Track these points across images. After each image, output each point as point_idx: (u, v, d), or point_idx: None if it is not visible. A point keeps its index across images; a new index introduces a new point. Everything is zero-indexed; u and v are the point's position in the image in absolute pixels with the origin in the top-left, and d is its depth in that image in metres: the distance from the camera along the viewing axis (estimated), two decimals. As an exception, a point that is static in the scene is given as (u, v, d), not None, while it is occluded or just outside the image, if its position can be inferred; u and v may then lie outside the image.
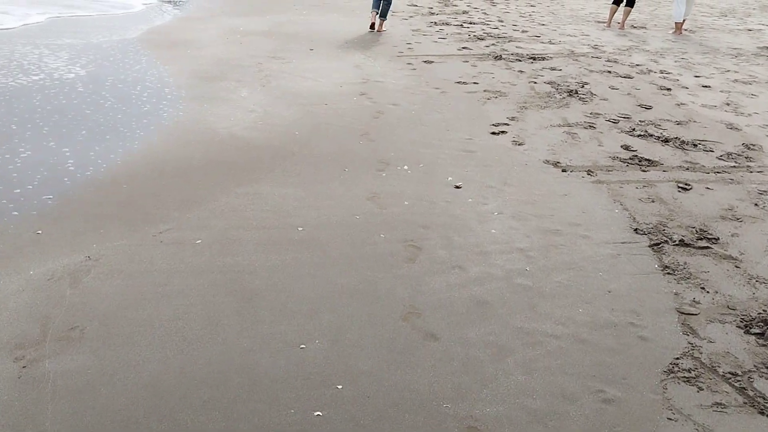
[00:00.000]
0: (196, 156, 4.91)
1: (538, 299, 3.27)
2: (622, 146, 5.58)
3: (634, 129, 6.04)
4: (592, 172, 4.99)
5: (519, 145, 5.53)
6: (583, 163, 5.17)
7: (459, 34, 10.69)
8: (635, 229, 4.06)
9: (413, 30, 10.87)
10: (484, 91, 7.18)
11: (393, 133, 5.68)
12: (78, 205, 4.06)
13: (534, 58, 8.86)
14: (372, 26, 10.56)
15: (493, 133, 5.80)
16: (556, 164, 5.11)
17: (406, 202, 4.30)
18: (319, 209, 4.15)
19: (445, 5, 14.44)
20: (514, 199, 4.43)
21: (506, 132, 5.84)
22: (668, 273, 3.57)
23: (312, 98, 6.59)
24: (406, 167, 4.92)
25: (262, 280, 3.32)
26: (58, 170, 4.52)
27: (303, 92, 6.78)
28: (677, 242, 3.90)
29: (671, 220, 4.21)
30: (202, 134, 5.39)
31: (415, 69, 8.06)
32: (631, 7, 12.00)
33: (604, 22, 12.75)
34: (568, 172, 4.97)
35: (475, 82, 7.52)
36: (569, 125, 6.10)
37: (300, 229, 3.88)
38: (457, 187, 4.59)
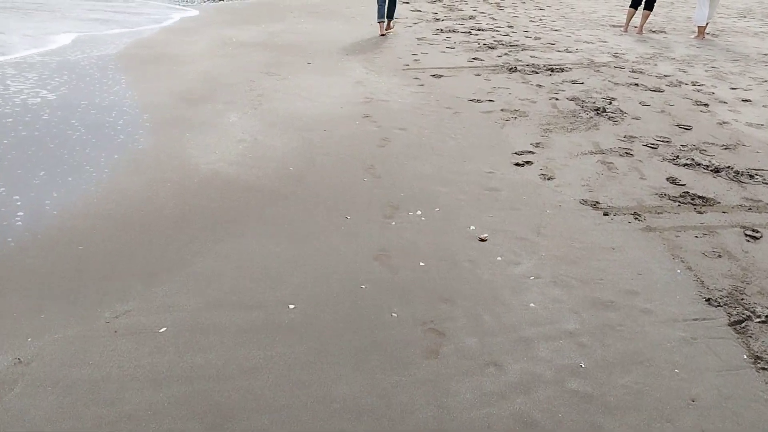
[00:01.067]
0: (170, 202, 4.11)
1: (603, 416, 2.47)
2: (667, 179, 4.78)
3: (677, 156, 5.23)
4: (639, 215, 4.18)
5: (548, 179, 4.72)
6: (626, 202, 4.37)
7: (468, 42, 9.88)
8: (707, 299, 3.25)
9: (419, 38, 10.06)
10: (502, 110, 6.38)
11: (402, 166, 4.88)
12: (19, 277, 3.27)
13: (552, 70, 8.05)
14: (383, 35, 10.26)
15: (517, 164, 5.00)
16: (595, 205, 4.31)
17: (422, 263, 3.50)
18: (315, 275, 3.35)
19: (450, 10, 13.63)
20: (551, 256, 3.63)
21: (532, 162, 5.03)
22: (763, 368, 2.77)
23: (309, 123, 5.79)
24: (419, 212, 4.12)
25: (239, 393, 2.52)
26: (3, 227, 3.73)
27: (299, 115, 5.99)
28: (763, 318, 3.10)
29: (748, 284, 3.41)
30: (181, 171, 4.60)
31: (423, 85, 7.26)
32: (650, 10, 11.17)
33: (620, 26, 11.94)
34: (611, 216, 4.16)
35: (490, 100, 6.72)
36: (602, 152, 5.30)
37: (291, 306, 3.08)
38: (482, 239, 3.78)
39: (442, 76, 7.68)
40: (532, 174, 4.82)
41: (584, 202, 4.35)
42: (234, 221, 3.91)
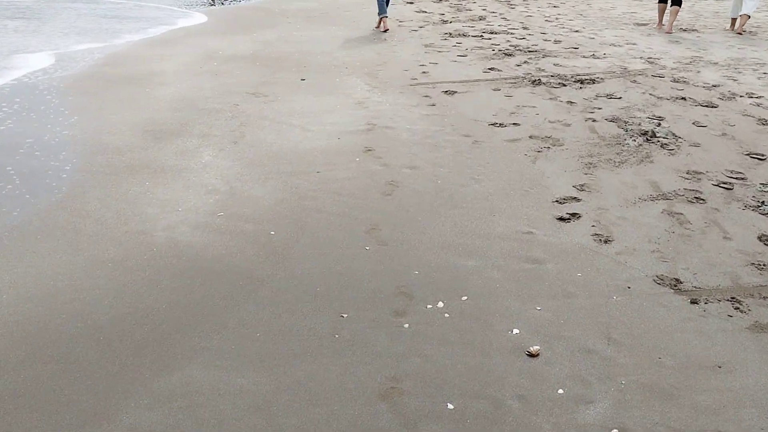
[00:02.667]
0: (102, 303, 2.98)
1: None
2: (760, 237, 3.63)
3: (762, 202, 4.08)
4: (740, 302, 3.04)
5: (605, 242, 3.58)
6: (716, 279, 3.22)
7: (481, 48, 8.71)
8: None
9: (426, 45, 8.89)
10: (531, 137, 5.23)
11: (414, 224, 3.75)
12: None
13: (582, 81, 6.88)
14: (385, 30, 9.95)
15: (561, 218, 3.85)
16: (675, 285, 3.17)
17: (450, 405, 2.38)
18: (293, 429, 2.24)
19: (458, 10, 12.45)
20: (634, 385, 2.49)
21: (579, 215, 3.89)
22: None
23: (299, 162, 4.67)
24: (440, 304, 2.99)
25: None
26: None
27: (287, 152, 4.86)
28: None
29: None
30: (128, 244, 3.48)
31: (434, 105, 6.11)
32: (679, 6, 9.96)
33: (644, 24, 10.73)
34: (702, 304, 3.02)
35: (515, 123, 5.56)
36: (665, 196, 4.15)
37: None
38: (532, 354, 2.66)
39: (455, 92, 6.53)
40: (583, 233, 3.67)
41: (660, 280, 3.21)
42: (187, 330, 2.79)
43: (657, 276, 3.24)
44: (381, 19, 9.95)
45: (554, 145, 5.06)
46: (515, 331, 2.81)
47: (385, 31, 9.89)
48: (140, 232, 3.64)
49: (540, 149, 4.97)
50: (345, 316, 2.91)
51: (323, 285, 3.14)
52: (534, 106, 6.06)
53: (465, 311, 2.95)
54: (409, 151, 4.92)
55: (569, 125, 5.53)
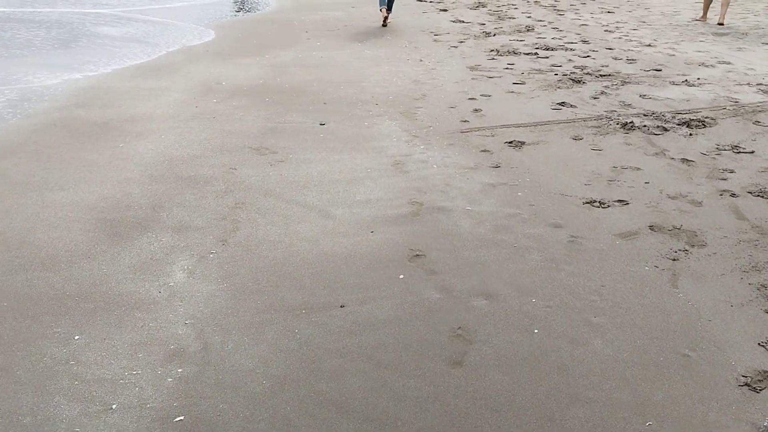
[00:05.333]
0: None
1: None
2: None
3: None
4: None
5: None
6: None
7: (539, 71, 6.95)
8: None
9: (471, 68, 7.16)
10: (651, 228, 3.51)
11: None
12: None
13: (688, 124, 5.10)
14: (384, 24, 9.91)
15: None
16: None
17: None
18: None
19: (499, 18, 10.66)
20: None
21: (801, 426, 2.19)
22: None
23: (315, 285, 3.01)
24: None
25: None
26: None
27: (298, 262, 3.21)
28: None
29: None
30: None
31: (498, 166, 4.40)
32: None
33: (725, 33, 8.86)
34: None
35: (620, 200, 3.84)
36: None
37: None
38: None
39: (523, 143, 4.80)
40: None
41: None
42: None
43: None
44: (382, 12, 9.78)
45: (692, 246, 3.33)
46: None
47: (384, 25, 9.88)
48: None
49: (674, 255, 3.24)
50: None
51: None
52: (638, 168, 4.32)
53: None
54: (477, 259, 3.23)
55: (700, 204, 3.79)
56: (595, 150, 4.65)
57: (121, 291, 3.00)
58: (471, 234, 3.49)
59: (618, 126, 5.10)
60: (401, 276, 3.10)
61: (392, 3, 9.93)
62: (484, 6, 12.03)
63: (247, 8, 11.92)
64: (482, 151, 4.68)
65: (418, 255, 3.29)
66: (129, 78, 6.78)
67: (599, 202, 3.82)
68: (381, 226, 3.60)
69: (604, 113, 5.44)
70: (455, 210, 3.77)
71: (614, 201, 3.84)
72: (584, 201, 3.84)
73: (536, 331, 2.69)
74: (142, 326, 2.75)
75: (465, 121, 5.33)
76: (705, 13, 10.16)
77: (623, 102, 5.74)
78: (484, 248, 3.34)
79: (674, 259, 3.20)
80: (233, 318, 2.80)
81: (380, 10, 9.84)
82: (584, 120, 5.29)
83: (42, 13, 10.49)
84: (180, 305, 2.89)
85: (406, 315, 2.81)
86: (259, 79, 6.71)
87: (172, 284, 3.06)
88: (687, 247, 3.30)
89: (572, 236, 3.44)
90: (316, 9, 11.56)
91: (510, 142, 4.82)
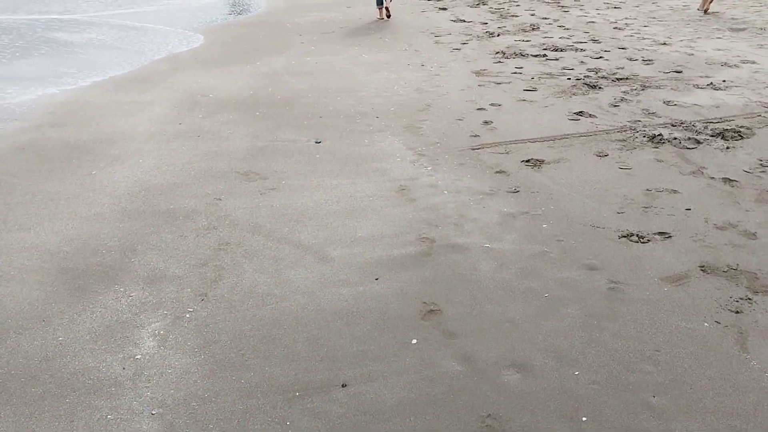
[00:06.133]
0: None
1: None
2: None
3: None
4: None
5: None
6: None
7: (550, 75, 6.40)
8: None
9: (476, 73, 6.60)
10: (703, 269, 2.96)
11: None
12: None
13: (722, 135, 4.55)
14: (381, 17, 9.88)
15: None
16: None
17: None
18: None
19: (502, 17, 10.08)
20: None
21: None
22: None
23: (309, 353, 2.47)
24: None
25: None
26: None
27: (290, 323, 2.67)
28: None
29: None
30: None
31: (516, 191, 3.86)
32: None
33: (742, 29, 8.31)
34: None
35: (661, 232, 3.30)
36: None
37: None
38: None
39: (542, 162, 4.26)
40: None
41: None
42: None
43: None
44: (379, 9, 9.85)
45: (755, 292, 2.79)
46: None
47: (380, 19, 9.82)
48: None
49: (736, 306, 2.71)
50: None
51: None
52: (674, 190, 3.78)
53: None
54: (503, 315, 2.70)
55: (754, 236, 3.25)
56: (623, 169, 4.11)
57: (78, 368, 2.47)
58: (493, 280, 2.95)
59: (645, 139, 4.56)
60: (414, 341, 2.57)
61: None
62: (484, 3, 11.45)
63: (238, 10, 11.34)
64: (497, 172, 4.14)
65: (432, 310, 2.76)
66: (110, 91, 6.22)
67: (637, 235, 3.29)
68: (387, 270, 3.07)
69: (628, 124, 4.89)
70: (472, 248, 3.23)
71: (654, 234, 3.30)
72: (620, 234, 3.31)
73: (584, 419, 2.16)
74: (98, 419, 2.22)
75: (475, 136, 4.78)
76: (704, 3, 9.88)
77: (646, 110, 5.20)
78: (511, 300, 2.80)
79: (737, 312, 2.67)
80: (211, 405, 2.27)
81: (378, 9, 9.89)
82: (606, 132, 4.74)
83: (12, 21, 9.90)
84: (147, 388, 2.36)
85: (422, 398, 2.28)
86: (249, 90, 6.16)
87: (139, 357, 2.52)
88: (749, 295, 2.77)
89: (611, 281, 2.91)
90: (310, 10, 10.98)
91: (527, 161, 4.28)
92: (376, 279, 3.00)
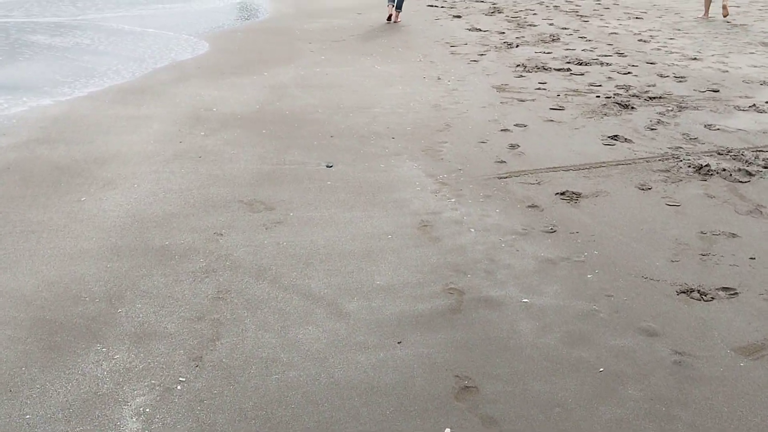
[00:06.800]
0: None
1: None
2: None
3: None
4: None
5: None
6: None
7: (577, 91, 5.97)
8: None
9: (497, 88, 6.17)
10: (782, 338, 2.56)
11: None
12: None
13: (778, 167, 4.13)
14: (389, 18, 9.77)
15: None
16: None
17: None
18: None
19: (519, 26, 9.65)
20: None
21: None
22: None
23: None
24: None
25: None
26: None
27: (299, 396, 2.22)
28: None
29: None
30: None
31: (553, 230, 3.42)
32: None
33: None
34: None
35: (726, 288, 2.85)
36: None
37: None
38: None
39: (578, 195, 3.82)
40: None
41: None
42: None
43: None
44: (389, 7, 9.71)
45: None
46: None
47: (391, 20, 9.71)
48: None
49: (830, 389, 2.28)
50: None
51: None
52: (733, 233, 3.34)
53: None
54: (552, 397, 2.25)
55: (836, 296, 2.82)
56: (671, 206, 3.67)
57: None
58: (536, 347, 2.52)
59: (691, 169, 4.12)
60: (447, 431, 2.14)
61: (402, 2, 9.72)
62: (500, 12, 11.03)
63: (245, 16, 10.94)
64: (529, 206, 3.70)
65: (467, 386, 2.33)
66: (108, 103, 5.80)
67: (698, 291, 2.85)
68: (411, 331, 2.64)
69: (669, 151, 4.45)
70: (508, 303, 2.80)
71: (717, 289, 2.87)
72: (677, 289, 2.87)
73: None
74: None
75: (501, 162, 4.35)
76: (707, 10, 10.15)
77: (687, 135, 4.76)
78: (559, 375, 2.37)
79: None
80: None
81: (387, 6, 9.78)
82: (647, 161, 4.31)
83: (7, 23, 9.52)
84: (125, 492, 1.94)
85: None
86: (256, 104, 5.74)
87: (116, 449, 2.10)
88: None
89: (676, 352, 2.47)
90: (320, 16, 10.57)
91: (562, 194, 3.84)
92: (399, 342, 2.57)
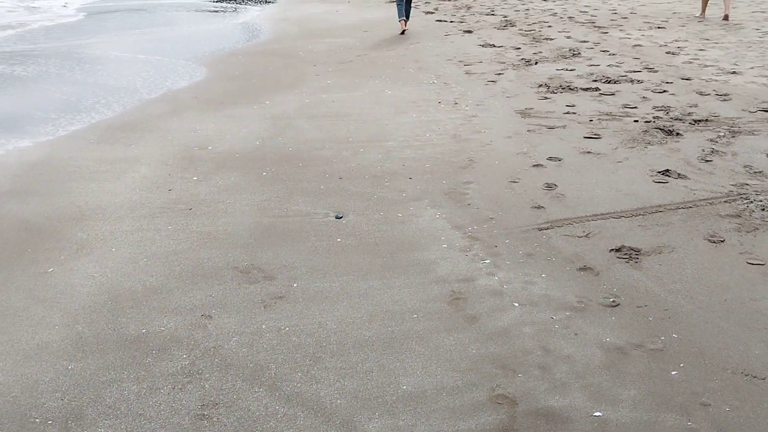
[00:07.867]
0: None
1: None
2: None
3: None
4: None
5: None
6: None
7: (611, 115, 5.31)
8: None
9: (522, 114, 5.51)
10: None
11: None
12: None
13: None
14: (403, 32, 9.66)
15: None
16: None
17: None
18: None
19: (535, 40, 9.00)
20: None
21: None
22: None
23: None
24: None
25: None
26: None
27: None
28: None
29: None
30: None
31: (616, 304, 2.75)
32: None
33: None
34: None
35: None
36: None
37: None
38: None
39: (638, 252, 3.16)
40: None
41: None
42: None
43: None
44: (401, 22, 9.59)
45: None
46: None
47: (402, 32, 9.65)
48: None
49: None
50: None
51: None
52: (841, 305, 2.68)
53: None
54: None
55: None
56: (753, 264, 3.00)
57: None
58: (623, 494, 1.86)
59: (766, 213, 3.45)
60: None
61: (410, 11, 9.79)
62: (512, 25, 10.40)
63: (246, 38, 10.36)
64: (581, 269, 3.04)
65: None
66: (93, 144, 5.18)
67: (821, 396, 2.19)
68: (453, 466, 1.99)
69: (734, 189, 3.78)
70: (576, 420, 2.14)
71: None
72: (794, 394, 2.20)
73: None
74: None
75: (539, 208, 3.70)
76: (704, 10, 10.22)
77: (749, 167, 4.09)
78: None
79: None
80: None
81: (399, 21, 9.60)
82: (710, 202, 3.64)
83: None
84: None
85: None
86: (256, 140, 5.12)
87: None
88: None
89: (817, 501, 1.81)
90: (324, 36, 9.98)
91: (617, 250, 3.18)
92: (438, 486, 1.92)
